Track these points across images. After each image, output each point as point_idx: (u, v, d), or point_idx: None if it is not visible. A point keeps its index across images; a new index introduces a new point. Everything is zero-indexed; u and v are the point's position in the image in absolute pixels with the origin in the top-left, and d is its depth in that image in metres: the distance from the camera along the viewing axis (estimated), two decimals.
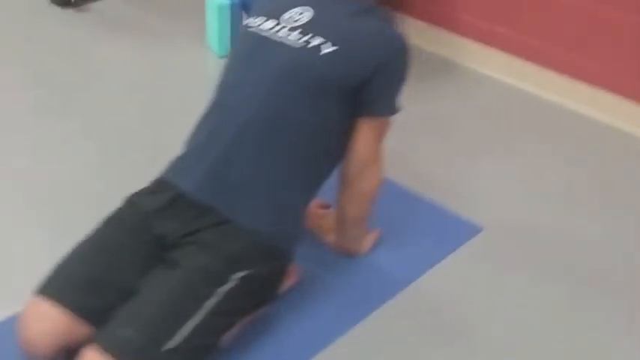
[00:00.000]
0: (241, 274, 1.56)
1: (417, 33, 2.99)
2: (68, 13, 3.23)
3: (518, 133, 2.60)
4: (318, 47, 1.65)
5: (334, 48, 1.65)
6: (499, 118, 2.69)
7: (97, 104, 2.62)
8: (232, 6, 2.85)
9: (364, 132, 1.73)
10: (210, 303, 1.52)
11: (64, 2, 3.26)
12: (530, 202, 2.26)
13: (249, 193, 1.63)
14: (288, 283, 1.82)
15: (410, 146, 2.46)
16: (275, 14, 1.74)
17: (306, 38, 1.67)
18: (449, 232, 2.10)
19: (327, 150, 1.73)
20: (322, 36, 1.66)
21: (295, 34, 1.68)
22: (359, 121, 1.72)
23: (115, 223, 1.65)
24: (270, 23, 1.72)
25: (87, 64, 2.91)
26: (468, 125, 2.65)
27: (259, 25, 1.74)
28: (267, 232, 1.62)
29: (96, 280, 1.56)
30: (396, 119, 1.75)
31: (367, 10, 1.74)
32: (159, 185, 1.70)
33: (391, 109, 1.74)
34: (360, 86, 1.66)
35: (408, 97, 1.78)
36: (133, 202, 1.69)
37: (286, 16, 1.72)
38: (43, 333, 1.51)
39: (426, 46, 3.01)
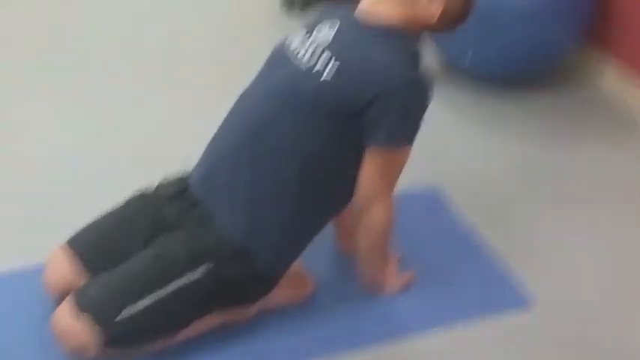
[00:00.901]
0: (205, 268, 1.68)
1: (617, 79, 2.81)
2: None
3: None
4: (321, 70, 1.69)
5: (337, 73, 1.67)
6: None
7: None
8: None
9: (367, 163, 1.73)
10: (170, 287, 1.66)
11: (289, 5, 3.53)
12: (603, 286, 2.01)
13: (230, 197, 1.74)
14: (299, 294, 1.91)
15: (515, 194, 2.36)
16: (309, 28, 1.80)
17: (316, 59, 1.71)
18: (488, 294, 1.98)
19: (326, 174, 1.75)
20: (331, 59, 1.68)
21: (310, 52, 1.73)
22: (365, 152, 1.73)
23: (137, 198, 1.88)
24: (300, 38, 1.79)
25: None
26: (610, 194, 2.41)
27: (292, 38, 1.81)
28: (239, 237, 1.72)
29: (106, 243, 1.80)
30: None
31: (393, 35, 1.73)
32: (182, 176, 1.89)
33: (392, 141, 1.70)
34: (357, 114, 1.67)
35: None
36: (158, 185, 1.91)
37: (315, 33, 1.77)
38: (57, 276, 1.79)
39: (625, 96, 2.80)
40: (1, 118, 2.69)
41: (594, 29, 2.84)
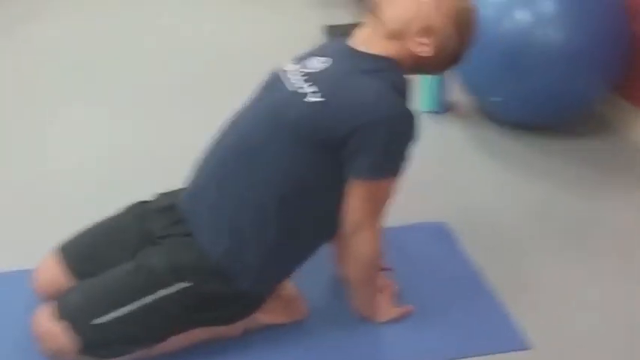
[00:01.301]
0: (183, 284, 1.67)
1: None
2: None
3: None
4: (305, 94, 1.68)
5: (321, 100, 1.67)
6: None
7: None
8: None
9: (350, 194, 1.71)
10: (147, 299, 1.65)
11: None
12: (610, 343, 1.89)
13: (214, 216, 1.73)
14: (290, 318, 1.88)
15: (528, 238, 2.29)
16: (303, 58, 1.81)
17: (303, 85, 1.71)
18: (486, 333, 1.90)
19: (309, 202, 1.72)
20: (317, 86, 1.69)
21: (299, 78, 1.73)
22: (348, 183, 1.70)
23: (130, 209, 1.89)
24: (293, 65, 1.80)
25: None
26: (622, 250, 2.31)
27: (287, 65, 1.82)
28: (219, 256, 1.70)
29: (95, 251, 1.80)
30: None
31: (382, 70, 1.72)
32: (175, 191, 1.89)
33: (371, 174, 1.68)
34: (338, 144, 1.65)
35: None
36: (154, 198, 1.91)
37: (309, 62, 1.78)
38: (45, 281, 1.81)
39: None
40: (36, 125, 2.81)
41: (623, 79, 2.79)
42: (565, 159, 2.72)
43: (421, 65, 1.81)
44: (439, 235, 2.27)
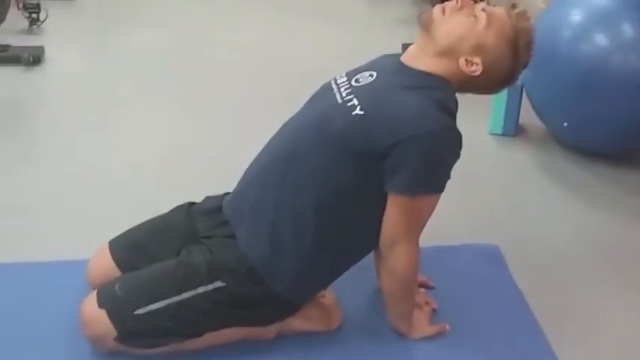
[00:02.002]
0: (219, 283, 1.73)
1: None
2: None
3: None
4: (352, 107, 1.71)
5: (360, 113, 1.69)
6: None
7: None
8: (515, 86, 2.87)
9: (389, 207, 1.72)
10: (185, 295, 1.72)
11: None
12: None
13: (255, 220, 1.78)
14: (324, 326, 1.90)
15: (580, 268, 2.24)
16: (356, 71, 1.85)
17: (349, 97, 1.74)
18: (522, 359, 1.87)
19: (346, 212, 1.75)
20: (358, 100, 1.72)
21: (347, 91, 1.77)
22: (388, 197, 1.72)
23: (180, 209, 1.96)
24: (344, 78, 1.83)
25: None
26: None
27: (338, 77, 1.86)
28: (255, 259, 1.75)
29: (141, 247, 1.88)
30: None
31: (426, 87, 1.73)
32: (223, 194, 1.95)
33: (410, 190, 1.68)
34: (378, 158, 1.67)
35: None
36: (204, 199, 1.98)
37: (359, 75, 1.81)
38: (96, 271, 1.90)
39: None
40: (109, 121, 2.99)
41: None
42: (629, 190, 2.66)
43: (470, 84, 1.81)
44: (488, 257, 2.25)
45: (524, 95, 2.92)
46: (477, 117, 2.96)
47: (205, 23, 3.92)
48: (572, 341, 1.96)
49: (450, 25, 1.77)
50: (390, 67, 1.82)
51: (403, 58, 1.83)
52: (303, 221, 1.74)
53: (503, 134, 2.97)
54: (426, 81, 1.76)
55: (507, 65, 1.80)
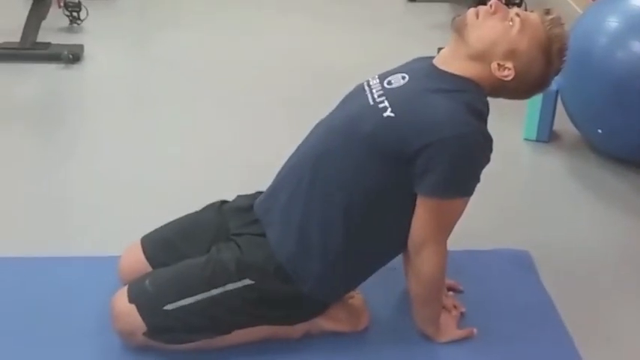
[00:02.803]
0: (247, 281, 1.75)
1: None
2: None
3: None
4: (383, 109, 1.72)
5: (391, 115, 1.70)
6: None
7: None
8: (550, 92, 2.86)
9: (418, 209, 1.73)
10: (214, 292, 1.74)
11: None
12: None
13: (284, 219, 1.80)
14: (350, 327, 1.91)
15: (610, 275, 2.22)
16: (388, 73, 1.85)
17: (381, 99, 1.75)
18: None
19: (375, 213, 1.75)
20: (389, 102, 1.73)
21: (379, 93, 1.78)
22: (417, 198, 1.73)
23: (212, 207, 1.99)
24: (377, 80, 1.84)
25: None
26: None
27: (371, 79, 1.87)
28: (283, 257, 1.77)
29: (172, 243, 1.91)
30: None
31: (457, 90, 1.73)
32: (254, 193, 1.97)
33: (439, 193, 1.69)
34: (407, 160, 1.68)
35: None
36: (236, 198, 2.00)
37: (392, 77, 1.82)
38: (127, 267, 1.93)
39: None
40: (147, 122, 3.03)
41: None
42: None
43: (501, 88, 1.81)
44: (519, 263, 2.24)
45: (559, 101, 2.90)
46: (511, 122, 2.95)
47: (243, 28, 3.96)
48: (601, 347, 1.94)
49: (483, 29, 1.77)
50: (422, 70, 1.83)
51: (435, 61, 1.84)
52: (331, 222, 1.76)
53: (537, 140, 2.95)
54: (457, 84, 1.76)
55: (540, 71, 1.80)
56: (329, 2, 4.31)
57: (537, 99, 2.88)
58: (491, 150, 1.75)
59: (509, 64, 1.76)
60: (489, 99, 1.84)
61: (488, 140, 1.73)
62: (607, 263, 2.30)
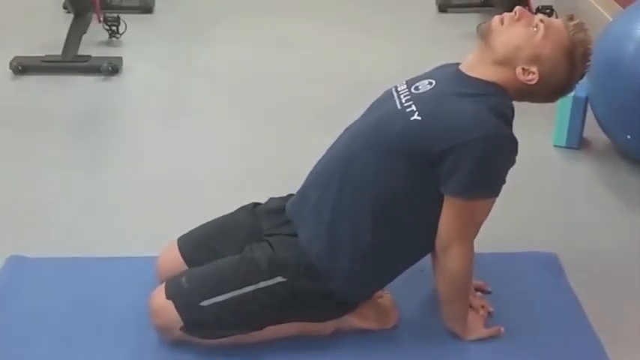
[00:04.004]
0: (279, 279, 1.81)
1: None
2: None
3: None
4: (410, 113, 1.78)
5: (418, 119, 1.76)
6: None
7: None
8: (579, 99, 2.89)
9: (445, 209, 1.78)
10: (247, 289, 1.81)
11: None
12: None
13: (315, 220, 1.86)
14: (379, 326, 1.97)
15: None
16: (416, 79, 1.91)
17: (409, 104, 1.81)
18: None
19: (402, 214, 1.81)
20: (416, 106, 1.79)
21: (406, 97, 1.84)
22: (444, 199, 1.78)
23: (245, 208, 2.06)
24: (405, 85, 1.90)
25: None
26: None
27: (399, 85, 1.93)
28: (314, 256, 1.83)
29: (206, 243, 1.99)
30: None
31: (482, 94, 1.78)
32: (286, 196, 2.04)
33: (465, 194, 1.74)
34: (433, 162, 1.73)
35: None
36: (268, 200, 2.07)
37: (419, 83, 1.88)
38: (164, 266, 2.01)
39: None
40: (184, 131, 3.13)
41: None
42: None
43: (526, 92, 1.85)
44: (546, 265, 2.27)
45: (589, 108, 2.93)
46: (540, 129, 2.98)
47: (279, 41, 4.03)
48: (629, 350, 1.97)
49: (508, 35, 1.82)
50: (449, 76, 1.88)
51: (461, 67, 1.89)
52: (359, 223, 1.81)
53: (566, 146, 2.98)
54: (482, 88, 1.81)
55: (563, 75, 1.84)
56: (363, 15, 4.37)
57: (567, 106, 2.91)
58: (516, 152, 1.79)
59: (533, 69, 1.81)
60: (516, 104, 1.89)
61: (512, 142, 1.77)
62: (636, 268, 2.31)
